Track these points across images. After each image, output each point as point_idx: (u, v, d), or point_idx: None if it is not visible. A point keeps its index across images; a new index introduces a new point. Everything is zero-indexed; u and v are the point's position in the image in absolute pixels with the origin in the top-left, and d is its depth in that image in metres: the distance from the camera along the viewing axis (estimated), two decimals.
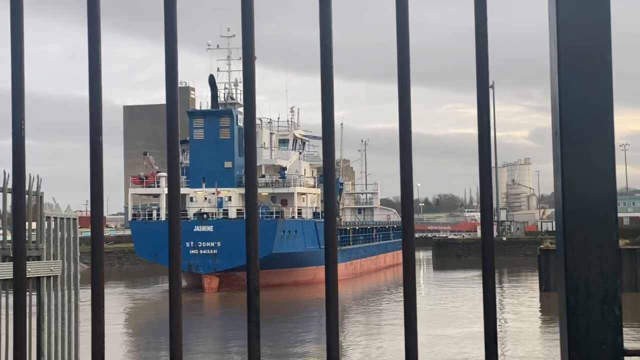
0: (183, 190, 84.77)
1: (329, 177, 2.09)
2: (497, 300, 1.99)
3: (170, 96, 2.28)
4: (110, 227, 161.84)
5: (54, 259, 11.60)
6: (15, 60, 2.29)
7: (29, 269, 11.13)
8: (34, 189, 11.52)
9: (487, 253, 1.94)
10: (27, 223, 11.58)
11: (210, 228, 78.53)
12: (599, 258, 1.92)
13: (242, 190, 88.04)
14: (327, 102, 2.15)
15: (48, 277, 11.42)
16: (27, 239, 11.42)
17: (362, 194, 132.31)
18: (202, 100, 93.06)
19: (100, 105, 2.36)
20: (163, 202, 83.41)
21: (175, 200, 2.19)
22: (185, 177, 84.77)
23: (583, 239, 1.93)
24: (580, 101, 1.95)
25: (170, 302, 2.26)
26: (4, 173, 11.02)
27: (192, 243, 77.12)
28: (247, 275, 2.04)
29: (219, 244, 77.48)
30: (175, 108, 2.30)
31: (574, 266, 1.93)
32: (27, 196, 11.47)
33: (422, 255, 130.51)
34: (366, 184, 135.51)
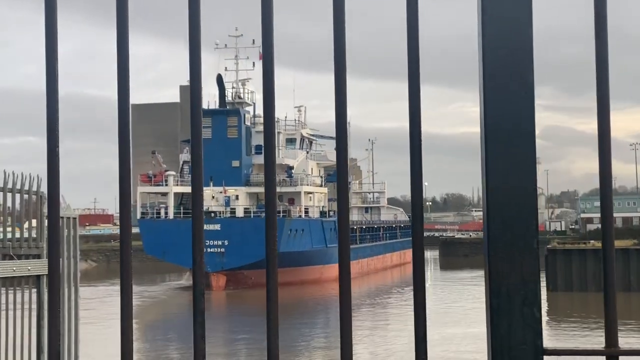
0: (190, 189, 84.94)
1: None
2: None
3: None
4: (117, 224, 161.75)
5: None
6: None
7: (29, 267, 11.30)
8: (34, 188, 11.67)
9: (417, 249, 2.07)
10: (27, 222, 11.74)
11: (217, 227, 79.02)
12: (520, 263, 2.04)
13: (250, 189, 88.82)
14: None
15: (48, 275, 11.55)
16: (27, 237, 11.58)
17: (369, 193, 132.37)
18: (209, 99, 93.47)
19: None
20: (171, 201, 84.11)
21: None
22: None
23: (505, 246, 2.05)
24: (504, 114, 2.07)
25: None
26: (4, 173, 11.17)
27: None
28: (193, 278, 2.16)
29: (226, 242, 77.99)
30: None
31: (496, 270, 2.05)
32: (27, 195, 11.62)
33: (429, 255, 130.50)
34: (373, 183, 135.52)
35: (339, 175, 2.27)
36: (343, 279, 2.17)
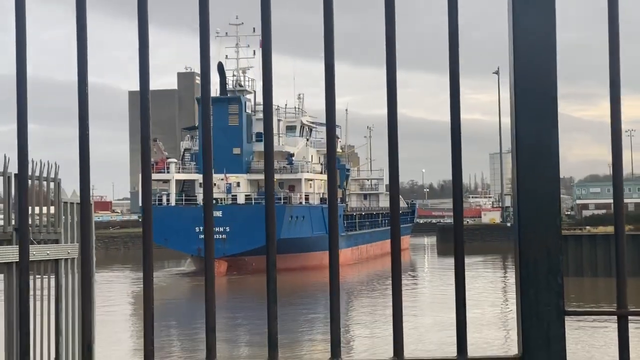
0: (193, 176, 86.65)
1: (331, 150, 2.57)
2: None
3: (205, 89, 2.73)
4: (117, 212, 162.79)
5: (71, 243, 12.12)
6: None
7: (48, 252, 11.68)
8: (52, 175, 12.04)
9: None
10: (44, 208, 12.11)
11: (219, 213, 79.69)
12: (545, 239, 2.44)
13: (251, 176, 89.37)
14: (329, 89, 2.61)
15: (66, 260, 11.93)
16: (45, 223, 11.96)
17: (368, 180, 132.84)
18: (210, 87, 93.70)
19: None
20: (173, 188, 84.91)
21: (208, 186, 2.68)
22: (194, 163, 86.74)
23: (533, 224, 2.46)
24: (532, 114, 2.48)
25: (206, 278, 2.76)
26: (5, 157, 11.49)
27: (201, 228, 78.55)
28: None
29: (227, 229, 78.68)
30: (208, 98, 2.77)
31: (526, 245, 2.46)
32: (45, 182, 12.00)
33: (427, 241, 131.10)
34: (371, 170, 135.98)
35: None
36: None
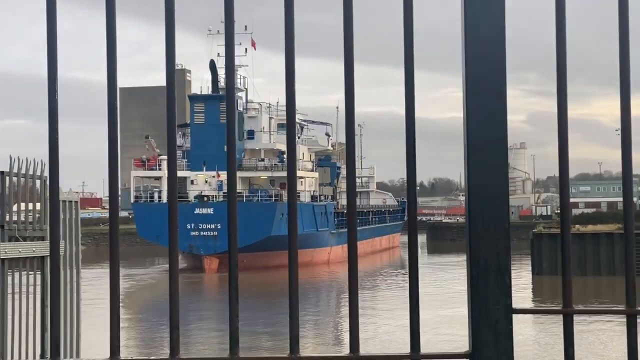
0: (184, 173, 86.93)
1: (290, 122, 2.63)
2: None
3: (170, 80, 2.82)
4: (107, 208, 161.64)
5: None
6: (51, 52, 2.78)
7: (34, 249, 11.74)
8: (38, 172, 12.10)
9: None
10: (29, 205, 12.17)
11: (210, 210, 79.96)
12: (494, 240, 2.54)
13: (243, 174, 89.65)
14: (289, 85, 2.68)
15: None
16: (30, 220, 12.02)
17: (358, 177, 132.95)
18: (202, 84, 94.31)
19: (116, 88, 2.84)
20: (164, 185, 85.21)
21: (173, 181, 2.77)
22: (186, 160, 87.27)
23: (482, 226, 2.54)
24: (482, 109, 2.56)
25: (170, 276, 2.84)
26: (10, 158, 11.60)
27: (192, 225, 79.22)
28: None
29: (219, 226, 78.92)
30: (173, 91, 2.85)
31: (476, 246, 2.55)
32: (30, 179, 12.06)
33: (417, 239, 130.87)
34: (362, 168, 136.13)
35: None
36: (351, 258, 2.65)
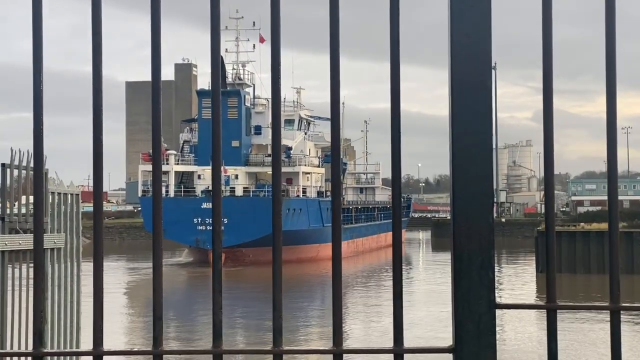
0: (191, 168, 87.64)
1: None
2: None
3: (155, 75, 2.81)
4: (112, 202, 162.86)
5: (57, 233, 12.18)
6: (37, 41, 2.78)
7: None
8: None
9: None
10: (30, 197, 12.18)
11: None
12: (478, 234, 2.52)
13: (249, 169, 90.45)
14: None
15: (52, 250, 11.99)
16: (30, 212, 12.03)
17: (364, 173, 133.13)
18: (209, 79, 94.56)
19: (101, 82, 2.83)
20: (172, 179, 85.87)
21: (158, 177, 2.75)
22: (193, 155, 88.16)
23: (466, 220, 2.53)
24: (467, 105, 2.55)
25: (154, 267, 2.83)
26: (11, 150, 11.60)
27: (199, 219, 79.95)
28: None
29: (225, 220, 79.07)
30: (159, 86, 2.85)
31: (460, 241, 2.53)
32: (31, 171, 12.06)
33: (422, 236, 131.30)
34: (367, 164, 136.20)
35: (333, 154, 2.73)
36: (335, 254, 2.64)
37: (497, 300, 2.55)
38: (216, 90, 2.66)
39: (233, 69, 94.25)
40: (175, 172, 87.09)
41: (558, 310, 2.55)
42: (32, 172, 10.67)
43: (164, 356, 2.73)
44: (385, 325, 40.84)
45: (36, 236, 2.71)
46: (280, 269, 2.66)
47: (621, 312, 2.58)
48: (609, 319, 2.61)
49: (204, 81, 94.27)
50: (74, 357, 8.08)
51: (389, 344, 2.62)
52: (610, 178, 2.61)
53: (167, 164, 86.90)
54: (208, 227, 79.68)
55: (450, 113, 2.57)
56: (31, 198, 12.12)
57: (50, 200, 12.23)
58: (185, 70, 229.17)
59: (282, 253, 2.70)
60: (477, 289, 2.51)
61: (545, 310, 2.60)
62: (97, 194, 2.77)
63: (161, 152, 2.75)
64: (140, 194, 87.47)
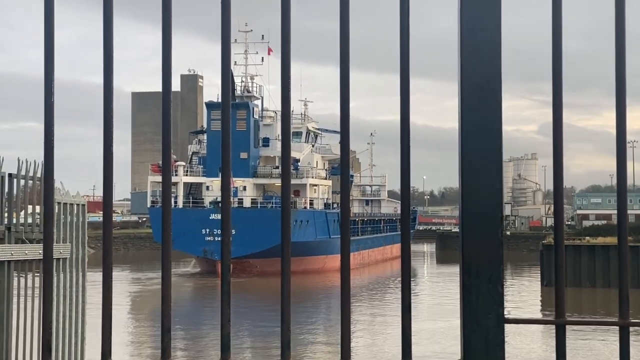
0: (200, 179, 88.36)
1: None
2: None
3: (166, 88, 2.81)
4: (117, 212, 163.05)
5: (63, 243, 12.18)
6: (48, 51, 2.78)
7: (39, 251, 11.75)
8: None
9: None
10: (36, 207, 12.19)
11: None
12: (487, 249, 2.52)
13: (257, 181, 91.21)
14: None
15: (57, 260, 11.99)
16: (36, 222, 12.03)
17: (370, 186, 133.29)
18: (219, 92, 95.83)
19: (112, 93, 2.83)
20: (181, 190, 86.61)
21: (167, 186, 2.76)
22: (202, 166, 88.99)
23: (475, 234, 2.53)
24: (477, 118, 2.55)
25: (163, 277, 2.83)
26: (18, 160, 11.63)
27: (208, 230, 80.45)
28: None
29: (233, 231, 78.87)
30: (169, 98, 2.85)
31: (468, 255, 2.53)
32: (38, 182, 12.08)
33: (427, 248, 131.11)
34: (372, 176, 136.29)
35: (342, 166, 2.73)
36: (344, 266, 2.64)
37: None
38: (226, 104, 2.67)
39: (242, 81, 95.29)
40: (184, 183, 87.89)
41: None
42: (38, 182, 10.72)
43: None
44: (391, 337, 40.75)
45: (46, 247, 2.72)
46: (289, 281, 2.66)
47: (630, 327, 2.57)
48: (612, 333, 2.61)
49: (210, 92, 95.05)
50: None
51: (397, 357, 2.62)
52: (619, 192, 2.61)
53: (176, 175, 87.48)
54: (216, 238, 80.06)
55: (460, 127, 2.57)
56: (37, 208, 12.15)
57: (56, 210, 12.24)
58: (191, 81, 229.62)
59: (290, 265, 2.70)
60: (485, 303, 2.51)
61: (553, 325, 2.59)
62: (107, 205, 2.78)
63: (171, 164, 2.76)
64: (149, 204, 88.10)
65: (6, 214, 11.50)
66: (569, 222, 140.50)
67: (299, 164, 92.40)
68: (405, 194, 2.61)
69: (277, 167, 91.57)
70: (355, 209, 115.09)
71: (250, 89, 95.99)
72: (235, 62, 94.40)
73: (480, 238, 2.51)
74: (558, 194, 2.61)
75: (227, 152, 2.72)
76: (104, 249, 2.79)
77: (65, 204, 12.27)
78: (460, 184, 2.55)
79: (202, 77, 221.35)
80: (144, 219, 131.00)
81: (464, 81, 2.52)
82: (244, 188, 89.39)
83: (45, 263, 2.79)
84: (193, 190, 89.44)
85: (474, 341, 2.50)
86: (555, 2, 2.61)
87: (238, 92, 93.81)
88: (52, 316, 9.39)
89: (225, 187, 2.70)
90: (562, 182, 2.60)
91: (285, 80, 2.66)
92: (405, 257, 2.61)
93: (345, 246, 2.63)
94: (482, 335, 2.50)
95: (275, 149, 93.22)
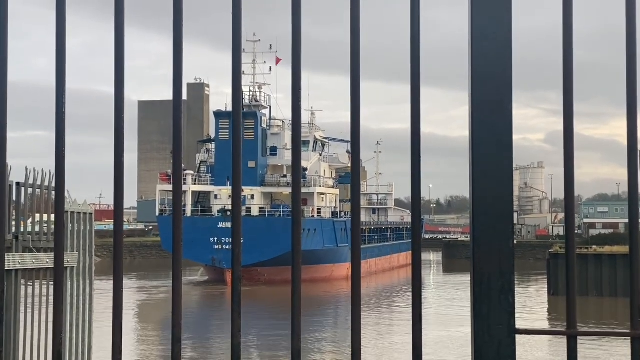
0: (208, 188, 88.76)
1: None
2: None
3: (176, 97, 2.82)
4: (123, 220, 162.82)
5: (70, 251, 12.19)
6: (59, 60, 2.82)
7: (47, 260, 11.76)
8: (54, 184, 12.13)
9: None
10: (44, 215, 12.20)
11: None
12: (498, 259, 2.51)
13: (265, 189, 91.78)
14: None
15: (64, 268, 11.99)
16: (45, 231, 12.05)
17: (377, 194, 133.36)
18: (227, 101, 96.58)
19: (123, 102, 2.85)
20: (189, 199, 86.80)
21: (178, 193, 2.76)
22: (210, 175, 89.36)
23: (486, 243, 2.52)
24: (488, 127, 2.55)
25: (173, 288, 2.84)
26: (26, 169, 11.65)
27: (216, 239, 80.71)
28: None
29: (241, 240, 79.46)
30: (180, 108, 2.86)
31: (479, 265, 2.52)
32: (45, 190, 12.10)
33: (433, 257, 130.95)
34: (378, 185, 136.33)
35: (353, 176, 2.73)
36: (354, 275, 2.63)
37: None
38: (237, 115, 2.67)
39: (250, 90, 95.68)
40: (192, 191, 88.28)
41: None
42: (45, 191, 10.71)
43: None
44: (399, 344, 40.69)
45: (57, 256, 2.72)
46: (299, 291, 2.66)
47: None
48: (615, 343, 2.60)
49: (216, 100, 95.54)
50: None
51: None
52: (631, 201, 2.60)
53: (185, 183, 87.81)
54: (224, 247, 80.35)
55: (470, 136, 2.57)
56: (45, 217, 12.16)
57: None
58: (197, 89, 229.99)
59: (301, 274, 2.69)
60: (497, 313, 2.50)
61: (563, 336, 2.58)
62: (118, 215, 2.78)
63: (182, 174, 2.76)
64: (157, 212, 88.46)
65: (14, 223, 11.52)
66: (576, 231, 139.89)
67: (306, 172, 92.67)
68: (416, 206, 2.61)
69: (285, 176, 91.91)
70: (362, 217, 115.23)
71: (258, 98, 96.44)
72: (244, 71, 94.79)
73: (492, 249, 2.51)
74: (570, 208, 2.60)
75: (238, 164, 2.72)
76: (114, 257, 2.80)
77: (72, 212, 12.29)
78: (471, 194, 2.55)
79: (208, 86, 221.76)
80: (151, 227, 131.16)
81: (474, 92, 2.52)
82: (252, 197, 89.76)
83: (56, 272, 2.79)
84: (201, 199, 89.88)
85: (485, 352, 2.49)
86: (566, 10, 2.61)
87: (246, 101, 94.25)
88: (63, 326, 9.39)
89: (235, 200, 2.71)
90: (574, 194, 2.60)
91: (295, 91, 2.67)
92: (416, 267, 2.60)
93: (355, 255, 2.63)
94: (493, 346, 2.49)
95: (282, 158, 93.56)
